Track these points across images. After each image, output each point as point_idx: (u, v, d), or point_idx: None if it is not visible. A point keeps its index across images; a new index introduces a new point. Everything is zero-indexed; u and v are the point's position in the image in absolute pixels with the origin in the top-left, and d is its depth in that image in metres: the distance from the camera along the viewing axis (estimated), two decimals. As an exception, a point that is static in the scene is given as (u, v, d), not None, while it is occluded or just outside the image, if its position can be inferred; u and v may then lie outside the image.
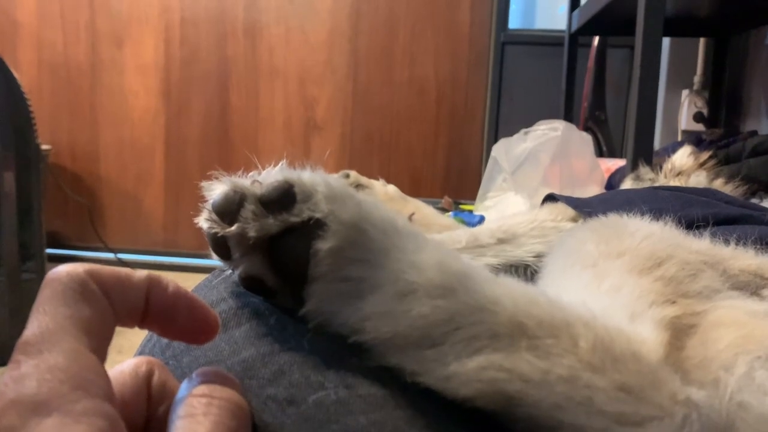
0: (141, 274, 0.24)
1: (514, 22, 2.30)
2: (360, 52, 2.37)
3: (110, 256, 2.46)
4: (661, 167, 0.82)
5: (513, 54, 2.24)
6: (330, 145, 2.40)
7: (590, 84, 1.84)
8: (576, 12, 1.67)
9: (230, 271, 0.32)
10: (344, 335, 0.27)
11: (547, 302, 0.27)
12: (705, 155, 0.81)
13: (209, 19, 2.39)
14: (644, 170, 0.84)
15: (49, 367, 0.19)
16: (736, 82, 1.67)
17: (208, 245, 0.31)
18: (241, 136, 2.43)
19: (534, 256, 0.54)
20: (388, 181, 0.89)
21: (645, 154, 0.97)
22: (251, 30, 2.38)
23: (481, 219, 0.93)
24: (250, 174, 0.31)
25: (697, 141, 1.18)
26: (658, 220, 0.38)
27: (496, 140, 1.23)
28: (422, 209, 0.82)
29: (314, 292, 0.27)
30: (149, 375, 0.25)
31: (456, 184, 2.37)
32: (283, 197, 0.28)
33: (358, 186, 0.84)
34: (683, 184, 0.76)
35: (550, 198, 0.60)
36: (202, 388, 0.23)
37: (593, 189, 1.03)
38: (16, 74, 1.72)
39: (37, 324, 0.21)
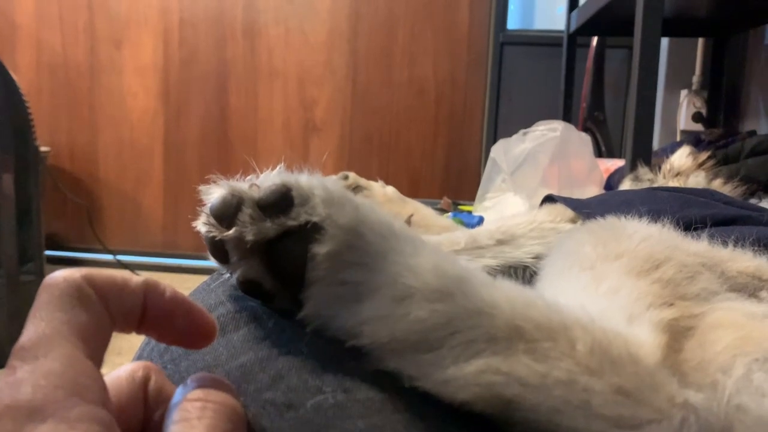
0: (138, 279, 0.24)
1: (513, 23, 2.30)
2: (359, 52, 2.37)
3: (109, 257, 2.46)
4: (659, 168, 0.82)
5: (512, 54, 2.24)
6: (329, 145, 2.40)
7: (589, 84, 1.84)
8: (574, 12, 1.67)
9: (228, 274, 0.32)
10: (342, 339, 0.27)
11: (544, 305, 0.27)
12: (704, 155, 0.81)
13: (208, 20, 2.39)
14: (643, 171, 0.84)
15: (45, 373, 0.19)
16: (735, 82, 1.67)
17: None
18: (240, 137, 2.43)
19: (533, 258, 0.54)
20: (387, 181, 0.89)
21: (644, 155, 0.97)
22: (250, 31, 2.38)
23: (480, 220, 0.93)
24: (248, 177, 0.31)
25: (695, 141, 1.18)
26: (656, 221, 0.38)
27: (495, 141, 1.23)
28: (421, 210, 0.82)
29: (312, 296, 0.27)
30: (146, 380, 0.25)
31: (455, 184, 2.37)
32: (281, 201, 0.28)
33: (357, 187, 0.84)
34: (682, 185, 0.76)
35: (549, 199, 0.60)
36: (197, 393, 0.23)
37: (592, 189, 1.03)
38: (14, 76, 1.72)
39: (33, 329, 0.21)
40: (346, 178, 0.84)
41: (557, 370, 0.25)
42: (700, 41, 1.79)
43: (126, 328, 0.24)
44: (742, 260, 0.35)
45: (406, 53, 2.35)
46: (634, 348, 0.27)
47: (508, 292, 0.27)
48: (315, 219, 0.27)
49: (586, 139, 1.09)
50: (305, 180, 0.29)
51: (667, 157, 0.82)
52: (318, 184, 0.29)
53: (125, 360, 0.27)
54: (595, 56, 1.83)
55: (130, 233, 2.51)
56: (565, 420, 0.24)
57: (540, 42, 2.20)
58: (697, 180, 0.76)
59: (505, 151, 1.06)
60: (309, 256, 0.27)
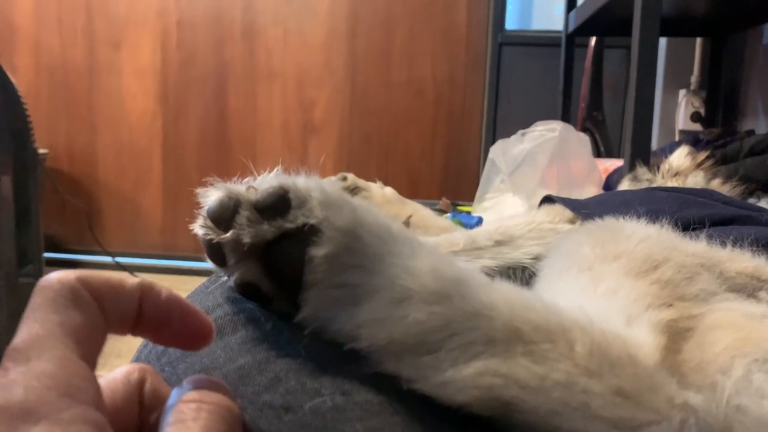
0: (133, 280, 0.24)
1: (511, 23, 2.30)
2: (358, 53, 2.37)
3: (108, 259, 2.45)
4: (658, 167, 0.82)
5: (510, 55, 2.24)
6: (328, 146, 2.40)
7: (587, 84, 1.84)
8: (573, 13, 1.68)
9: (226, 277, 0.32)
10: (340, 342, 0.27)
11: (542, 307, 0.27)
12: (702, 155, 0.81)
13: (206, 22, 2.39)
14: (642, 171, 0.84)
15: (37, 374, 0.19)
16: (733, 82, 1.67)
17: (204, 250, 0.31)
18: (239, 139, 2.43)
19: (531, 258, 0.54)
20: (386, 182, 0.89)
21: (642, 155, 0.97)
22: (249, 32, 2.38)
23: (479, 220, 0.93)
24: (246, 180, 0.31)
25: (694, 141, 1.18)
26: (654, 221, 0.38)
27: (493, 141, 1.23)
28: (420, 211, 0.82)
29: (310, 299, 0.27)
30: (141, 382, 0.25)
31: (454, 185, 2.37)
32: (278, 203, 0.28)
33: (356, 188, 0.84)
34: (681, 185, 0.76)
35: (548, 199, 0.60)
36: (192, 394, 0.23)
37: (591, 190, 1.03)
38: (13, 78, 1.72)
39: (26, 331, 0.20)
40: (344, 179, 0.84)
41: (556, 371, 0.25)
42: (699, 41, 1.79)
43: (121, 330, 0.24)
44: (741, 260, 0.35)
45: (405, 54, 2.35)
46: (633, 349, 0.27)
47: (506, 293, 0.27)
48: (312, 221, 0.27)
49: (584, 139, 1.09)
50: (302, 182, 0.29)
51: (666, 157, 0.82)
52: (315, 186, 0.29)
53: (124, 362, 0.27)
54: (593, 56, 1.83)
55: (129, 235, 2.50)
56: (564, 422, 0.24)
57: (538, 42, 2.20)
58: (696, 180, 0.76)
59: (504, 152, 1.06)
60: (306, 259, 0.27)
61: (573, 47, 1.76)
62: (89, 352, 0.21)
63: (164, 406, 0.23)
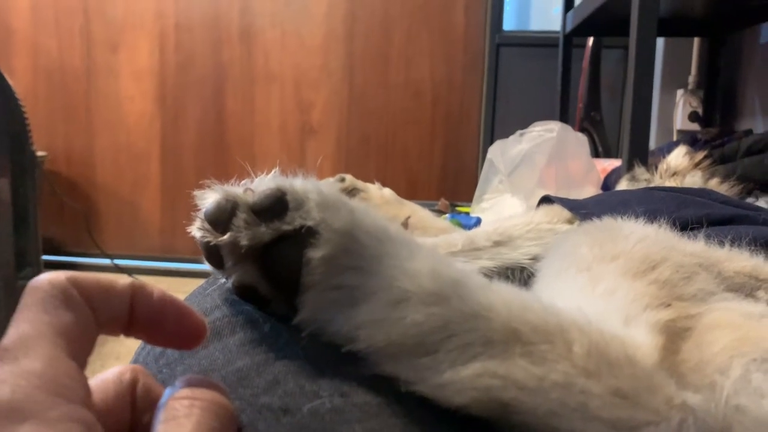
0: (124, 281, 0.24)
1: (509, 24, 2.30)
2: (355, 55, 2.37)
3: (107, 262, 2.45)
4: (656, 167, 0.82)
5: (508, 55, 2.24)
6: (326, 148, 2.40)
7: (585, 85, 1.84)
8: (570, 13, 1.68)
9: (224, 279, 0.32)
10: (339, 343, 0.27)
11: (541, 307, 0.27)
12: (700, 155, 0.81)
13: (204, 24, 2.39)
14: (640, 171, 0.84)
15: (25, 373, 0.19)
16: (731, 82, 1.67)
17: (202, 253, 0.31)
18: (237, 141, 2.43)
19: (530, 259, 0.54)
20: (384, 183, 0.88)
21: (640, 155, 0.97)
22: (246, 34, 2.38)
23: (478, 221, 0.93)
24: (243, 182, 0.30)
25: (692, 141, 1.19)
26: (652, 221, 0.38)
27: (491, 142, 1.23)
28: (418, 212, 0.82)
29: (308, 301, 0.27)
30: (133, 383, 0.25)
31: (452, 186, 2.37)
32: (276, 205, 0.28)
33: (354, 189, 0.84)
34: (679, 185, 0.76)
35: (546, 200, 0.60)
36: (185, 392, 0.23)
37: (589, 190, 1.03)
38: (10, 81, 1.72)
39: (15, 330, 0.20)
40: (342, 180, 0.84)
41: (554, 372, 0.24)
42: (696, 41, 1.79)
43: (113, 331, 0.24)
44: (739, 260, 0.35)
45: (403, 55, 2.35)
46: (632, 350, 0.27)
47: (504, 294, 0.27)
48: (310, 223, 0.27)
49: (582, 139, 1.09)
50: (300, 184, 0.29)
51: (664, 157, 0.83)
52: (313, 188, 0.29)
53: (123, 364, 0.27)
54: (591, 56, 1.83)
55: (128, 237, 2.50)
56: (562, 423, 0.24)
57: (536, 43, 2.21)
58: (694, 179, 0.76)
59: (502, 152, 1.06)
60: (304, 261, 0.27)
61: (570, 47, 1.76)
62: (79, 352, 0.21)
63: (157, 405, 0.23)
